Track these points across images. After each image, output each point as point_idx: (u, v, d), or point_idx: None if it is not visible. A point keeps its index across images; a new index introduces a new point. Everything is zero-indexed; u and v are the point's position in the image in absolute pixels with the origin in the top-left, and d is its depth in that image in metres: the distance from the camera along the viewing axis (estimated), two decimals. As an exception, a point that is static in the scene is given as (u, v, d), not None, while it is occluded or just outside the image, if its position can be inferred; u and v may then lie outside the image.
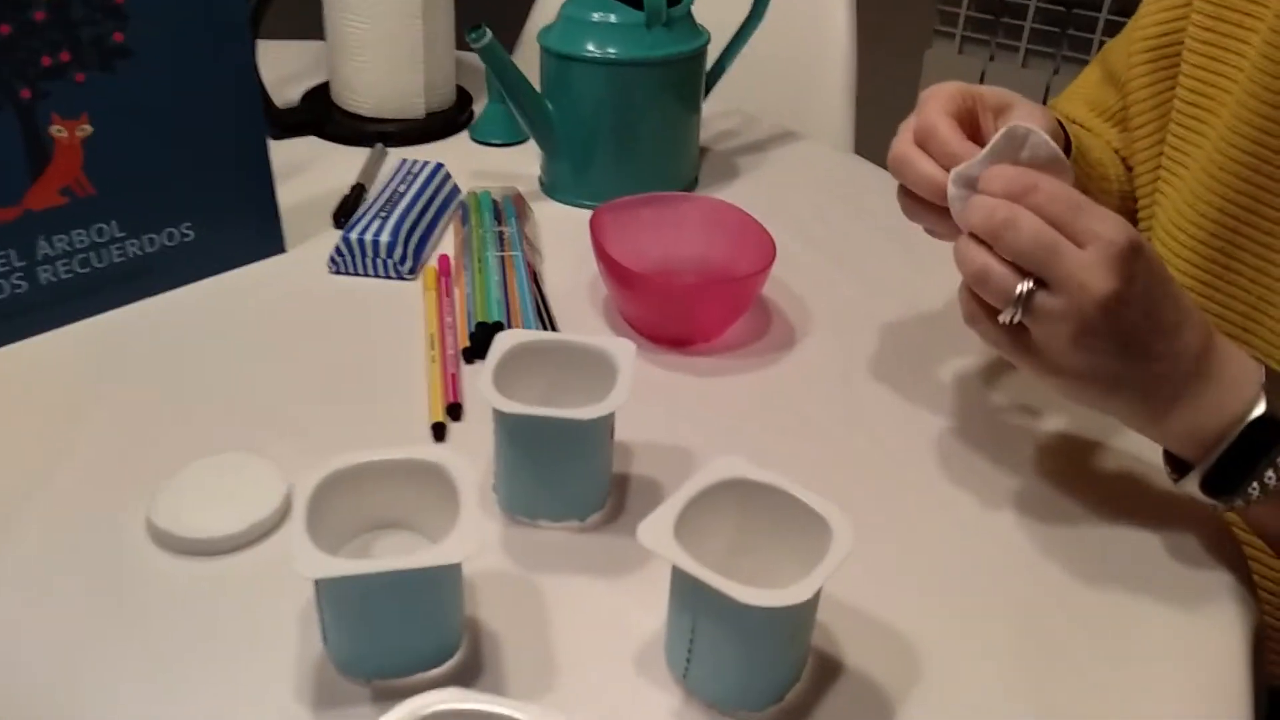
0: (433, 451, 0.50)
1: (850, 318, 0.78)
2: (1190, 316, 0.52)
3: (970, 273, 0.53)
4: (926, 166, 0.58)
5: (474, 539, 0.45)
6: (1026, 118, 0.60)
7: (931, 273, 0.82)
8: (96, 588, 0.53)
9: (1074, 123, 0.82)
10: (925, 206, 0.59)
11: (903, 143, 0.60)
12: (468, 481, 0.48)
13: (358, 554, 0.53)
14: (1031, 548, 0.58)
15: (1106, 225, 0.49)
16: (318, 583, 0.46)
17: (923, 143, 0.59)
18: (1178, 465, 0.56)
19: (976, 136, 0.59)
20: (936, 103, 0.59)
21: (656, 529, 0.46)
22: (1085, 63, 1.76)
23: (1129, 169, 0.80)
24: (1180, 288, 0.53)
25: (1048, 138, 0.54)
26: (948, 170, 0.56)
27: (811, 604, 0.46)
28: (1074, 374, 0.53)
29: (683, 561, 0.44)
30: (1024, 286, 0.51)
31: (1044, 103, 1.77)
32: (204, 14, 0.71)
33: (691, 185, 0.96)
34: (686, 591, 0.46)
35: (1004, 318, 0.52)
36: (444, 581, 0.47)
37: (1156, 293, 0.51)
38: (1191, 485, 0.54)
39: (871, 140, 1.33)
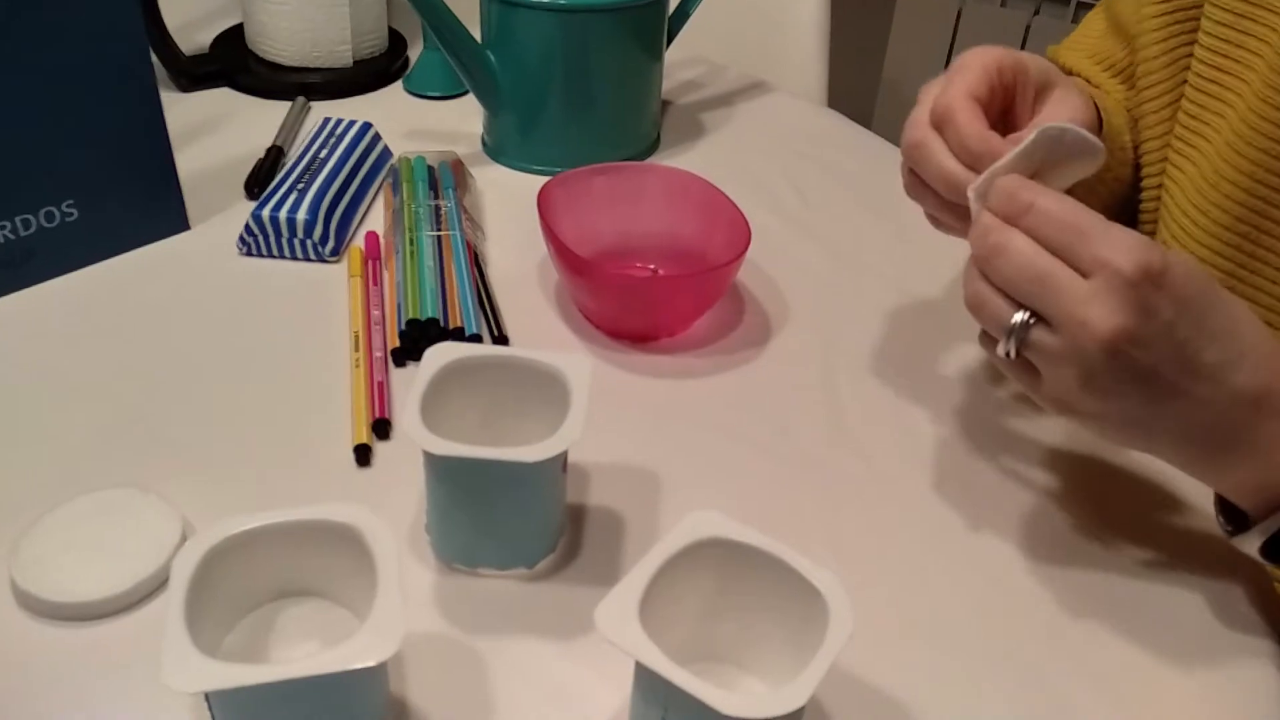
0: (344, 509, 0.42)
1: (831, 304, 0.70)
2: (1244, 354, 0.44)
3: (966, 299, 0.47)
4: (944, 161, 0.50)
5: (393, 635, 0.37)
6: (1064, 102, 0.52)
7: (919, 249, 0.74)
8: (-54, 665, 0.44)
9: (1080, 78, 0.74)
10: (935, 196, 0.51)
11: (919, 126, 0.51)
12: (387, 551, 0.40)
13: (261, 629, 0.44)
14: (1043, 592, 0.51)
15: (1116, 250, 0.41)
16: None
17: (940, 126, 0.50)
18: (1234, 517, 0.48)
19: (1012, 113, 0.51)
20: (963, 80, 0.51)
21: (617, 614, 0.38)
22: (1066, 3, 1.67)
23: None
24: (1234, 318, 0.44)
25: (1084, 132, 0.46)
26: (964, 163, 0.49)
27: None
28: (1093, 417, 0.45)
29: (651, 658, 0.37)
30: (1018, 318, 0.44)
31: (1023, 47, 1.68)
32: (75, -47, 0.59)
33: (653, 145, 0.86)
34: (655, 683, 0.38)
35: (999, 350, 0.45)
36: (357, 681, 0.38)
37: (1187, 329, 0.43)
38: (1250, 545, 0.47)
39: (843, 88, 1.24)
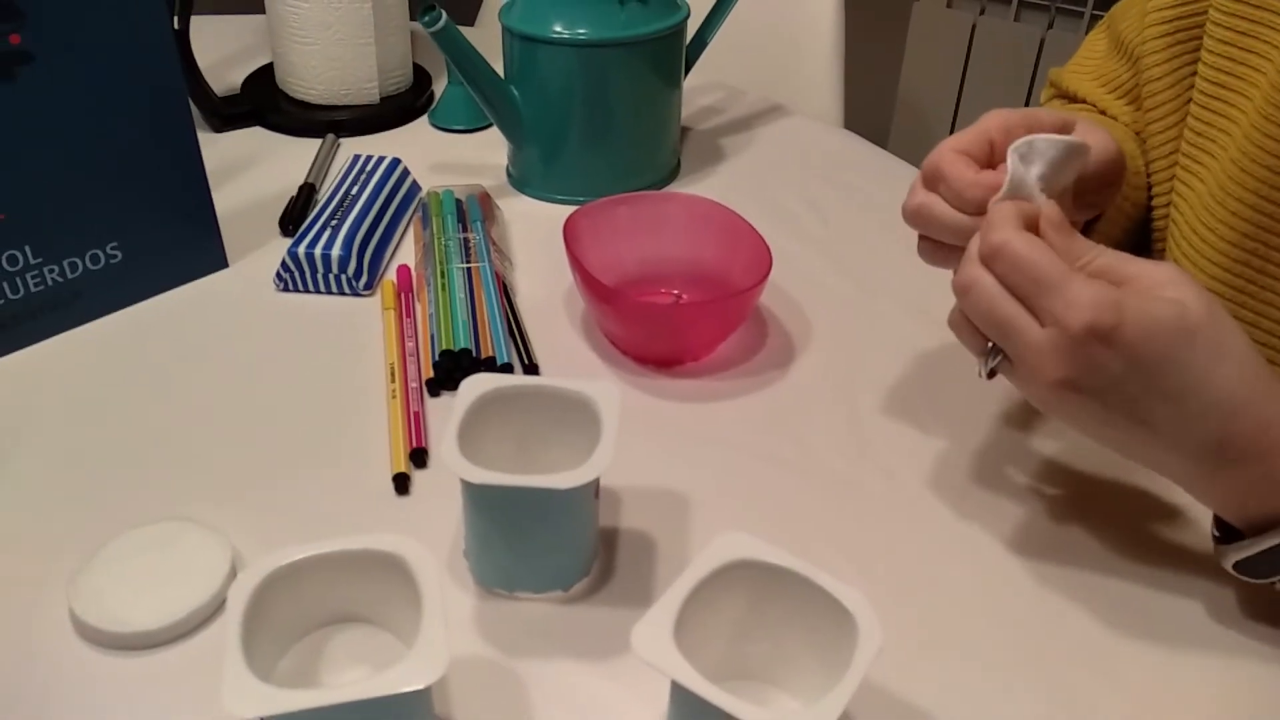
0: (389, 538, 0.43)
1: (852, 325, 0.71)
2: (1204, 411, 0.44)
3: (948, 320, 0.50)
4: (948, 215, 0.52)
5: (439, 659, 0.38)
6: (1087, 136, 0.54)
7: (939, 271, 0.75)
8: (11, 692, 0.46)
9: (1088, 104, 0.75)
10: (951, 251, 0.53)
11: (915, 192, 0.54)
12: (430, 578, 0.42)
13: (311, 655, 0.46)
14: (1068, 604, 0.52)
15: (1067, 308, 0.43)
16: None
17: (932, 186, 0.53)
18: (1224, 526, 0.50)
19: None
20: (953, 139, 0.53)
21: (652, 635, 0.39)
22: (1080, 15, 1.68)
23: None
24: (1201, 376, 0.44)
25: (1052, 136, 0.49)
26: (967, 213, 0.51)
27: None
28: (1073, 428, 0.48)
29: (686, 677, 0.38)
30: (989, 347, 0.48)
31: (1037, 61, 1.69)
32: (116, 5, 0.62)
33: (674, 172, 0.88)
34: (691, 702, 0.40)
35: (976, 370, 0.49)
36: (406, 704, 0.40)
37: (1137, 386, 0.44)
38: (1225, 560, 0.49)
39: (859, 108, 1.26)
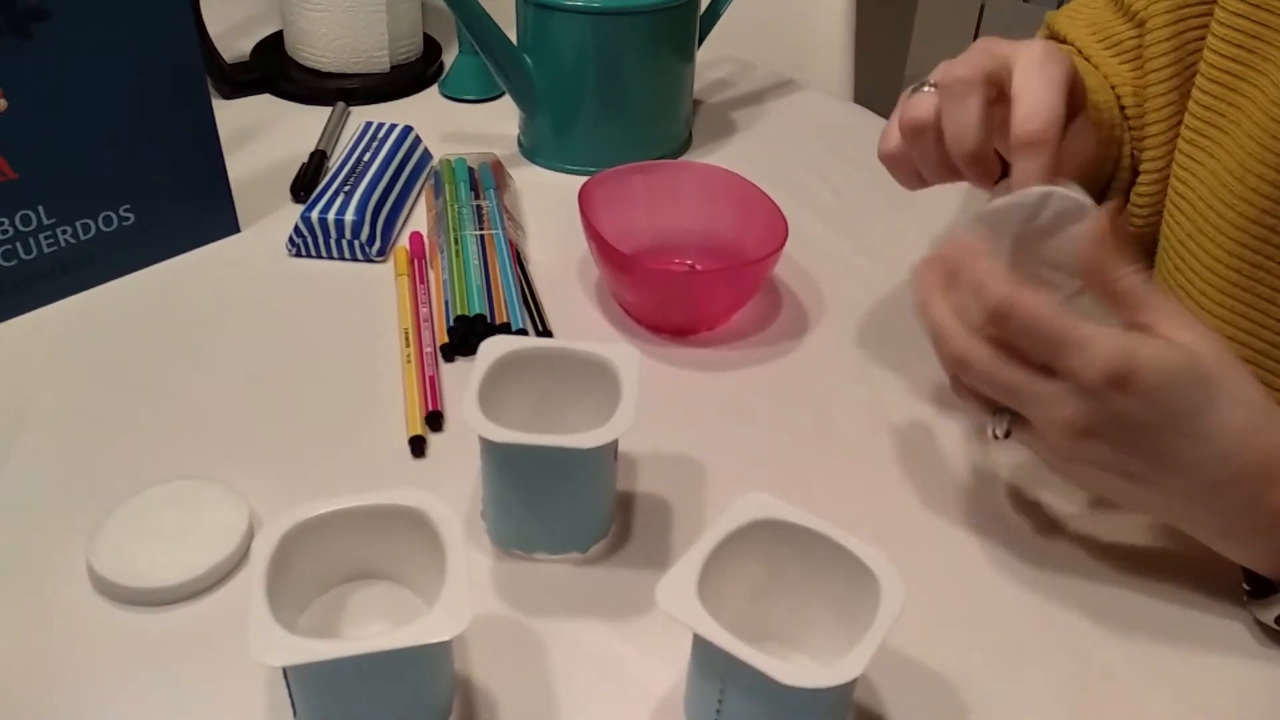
0: (411, 493, 0.44)
1: (865, 296, 0.71)
2: (1228, 453, 0.44)
3: (951, 390, 0.50)
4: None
5: (464, 612, 0.38)
6: (1030, 66, 0.53)
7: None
8: (30, 648, 0.46)
9: (1075, 48, 0.74)
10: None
11: (891, 138, 0.56)
12: (453, 533, 0.42)
13: (331, 610, 0.46)
14: (1085, 569, 0.52)
15: (1084, 359, 0.43)
16: (283, 659, 0.39)
17: (916, 141, 0.55)
18: (1254, 579, 0.50)
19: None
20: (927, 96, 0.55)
21: (677, 590, 0.39)
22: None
23: (1123, 108, 0.72)
24: (1222, 416, 0.44)
25: (1073, 194, 0.49)
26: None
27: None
28: (1092, 487, 0.50)
29: (711, 632, 0.38)
30: (1000, 413, 0.48)
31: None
32: (132, -34, 0.62)
33: (685, 143, 0.88)
34: (714, 657, 0.40)
35: (988, 435, 0.49)
36: (429, 657, 0.40)
37: (1161, 431, 0.44)
38: (1267, 615, 0.49)
39: (868, 84, 1.25)
